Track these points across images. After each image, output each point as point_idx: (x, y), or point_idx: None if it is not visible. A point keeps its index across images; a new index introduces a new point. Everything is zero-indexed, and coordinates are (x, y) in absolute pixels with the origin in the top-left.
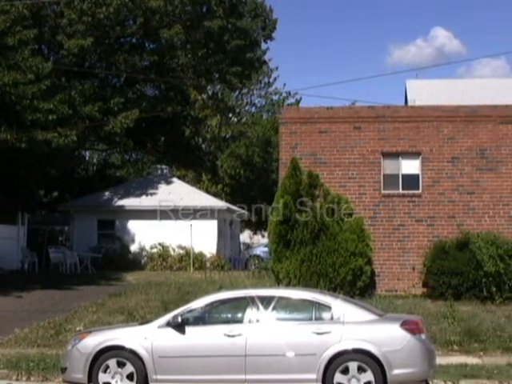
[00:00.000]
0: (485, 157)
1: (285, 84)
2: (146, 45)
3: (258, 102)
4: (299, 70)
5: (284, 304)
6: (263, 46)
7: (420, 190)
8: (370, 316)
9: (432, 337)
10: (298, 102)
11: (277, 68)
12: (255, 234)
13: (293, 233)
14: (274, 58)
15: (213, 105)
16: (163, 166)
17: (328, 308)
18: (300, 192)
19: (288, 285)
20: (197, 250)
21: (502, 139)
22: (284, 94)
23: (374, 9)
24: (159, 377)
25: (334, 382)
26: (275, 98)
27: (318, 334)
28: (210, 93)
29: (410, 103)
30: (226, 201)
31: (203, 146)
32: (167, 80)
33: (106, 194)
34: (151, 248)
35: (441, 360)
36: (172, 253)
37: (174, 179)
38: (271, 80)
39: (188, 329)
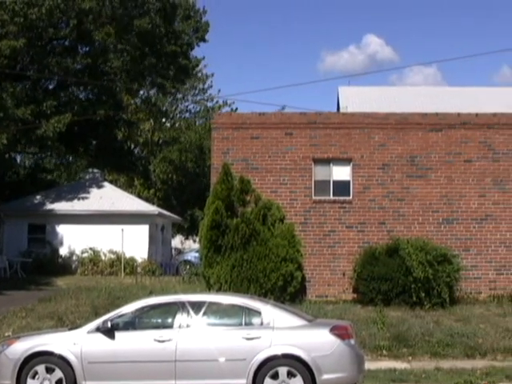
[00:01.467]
0: (415, 164)
1: (219, 90)
2: (78, 47)
3: (192, 108)
4: (233, 75)
5: (214, 309)
6: (197, 49)
7: (351, 197)
8: (299, 321)
9: (361, 342)
10: (233, 111)
11: (212, 75)
12: (187, 239)
13: (224, 238)
14: (209, 64)
15: (146, 109)
16: (95, 170)
17: (258, 313)
18: (231, 197)
19: (219, 290)
20: (128, 254)
21: (431, 147)
22: (219, 102)
23: (308, 15)
24: (88, 383)
25: None
26: (210, 104)
27: (248, 339)
28: (143, 97)
29: (342, 110)
30: (158, 206)
31: (136, 150)
32: (100, 83)
33: (37, 197)
34: (82, 253)
35: (370, 365)
36: (103, 258)
37: (106, 183)
38: (206, 86)
39: (118, 334)
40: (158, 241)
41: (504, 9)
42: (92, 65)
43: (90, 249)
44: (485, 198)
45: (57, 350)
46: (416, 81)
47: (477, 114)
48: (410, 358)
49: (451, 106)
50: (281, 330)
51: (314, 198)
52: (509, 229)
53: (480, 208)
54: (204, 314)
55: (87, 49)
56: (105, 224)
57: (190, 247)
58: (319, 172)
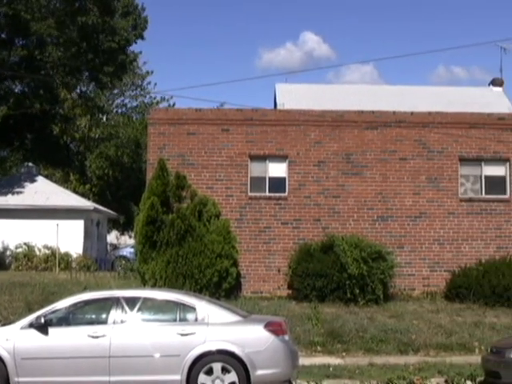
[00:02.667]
0: (350, 161)
1: (156, 84)
2: (15, 40)
3: (129, 103)
4: (172, 72)
5: (149, 305)
6: (135, 45)
7: (286, 193)
8: (234, 317)
9: (296, 338)
10: (171, 106)
11: (152, 72)
12: (122, 234)
13: (159, 234)
14: (148, 61)
15: (82, 104)
16: (30, 165)
17: (193, 309)
18: (167, 193)
19: (154, 286)
20: (63, 250)
21: (367, 144)
22: (157, 98)
23: (245, 11)
24: (21, 379)
25: (198, 382)
26: (147, 99)
27: (183, 335)
28: (80, 92)
29: (279, 107)
30: (94, 201)
31: (72, 145)
32: (36, 77)
33: None
34: (16, 248)
35: (304, 360)
36: (38, 253)
37: (41, 178)
38: (144, 82)
39: (51, 330)
40: (93, 236)
41: (440, 9)
42: (28, 58)
43: (25, 244)
44: (419, 195)
45: None
46: (353, 79)
47: (412, 113)
48: (344, 353)
49: (387, 105)
50: (215, 326)
51: (249, 194)
52: (442, 226)
53: (414, 206)
54: (139, 309)
55: (24, 41)
56: (39, 219)
57: (125, 243)
58: (255, 168)
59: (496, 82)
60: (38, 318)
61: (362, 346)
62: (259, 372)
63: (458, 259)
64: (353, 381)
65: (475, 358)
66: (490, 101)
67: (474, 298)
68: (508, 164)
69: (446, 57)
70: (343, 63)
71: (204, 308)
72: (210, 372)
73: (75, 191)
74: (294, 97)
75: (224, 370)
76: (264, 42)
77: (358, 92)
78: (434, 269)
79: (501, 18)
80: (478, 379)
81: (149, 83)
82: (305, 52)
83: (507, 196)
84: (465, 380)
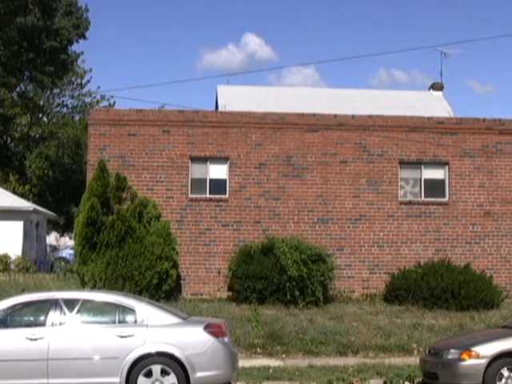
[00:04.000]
0: (291, 163)
1: (99, 87)
2: None
3: (70, 103)
4: (115, 73)
5: (88, 307)
6: (76, 45)
7: (227, 195)
8: (174, 319)
9: (236, 340)
10: (111, 105)
11: (90, 70)
12: (62, 236)
13: (99, 235)
14: (87, 59)
15: (22, 104)
16: None
17: (132, 311)
18: (107, 194)
19: (93, 288)
20: (1, 251)
21: (308, 147)
22: (97, 97)
23: (187, 12)
24: None
25: None
26: (88, 99)
27: (122, 337)
28: (20, 91)
29: (220, 109)
30: (34, 202)
31: (11, 145)
32: None
33: None
34: None
35: (244, 363)
36: None
37: None
38: (84, 82)
39: None
40: (32, 237)
41: (382, 13)
42: None
43: None
44: (359, 198)
45: None
46: (295, 81)
47: (353, 116)
48: (284, 355)
49: (328, 108)
50: (155, 328)
51: (190, 196)
52: (382, 229)
53: (354, 208)
54: (78, 311)
55: None
56: None
57: (65, 244)
58: (196, 170)
59: (436, 87)
60: None
61: (302, 347)
62: (199, 374)
63: (398, 261)
64: (292, 382)
65: (413, 360)
66: (430, 105)
67: (413, 300)
68: (447, 167)
69: (387, 60)
70: (285, 65)
71: (143, 310)
72: (149, 374)
73: (14, 192)
74: (235, 99)
75: (163, 373)
76: (206, 43)
77: (300, 94)
78: (374, 271)
79: (441, 23)
80: (416, 380)
81: (88, 81)
82: (247, 54)
83: (446, 199)
84: (403, 381)
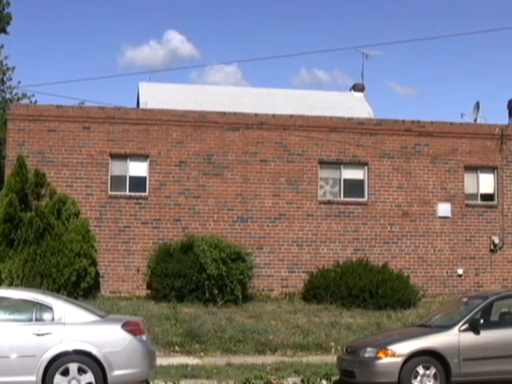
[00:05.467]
0: (211, 162)
1: (19, 82)
2: None
3: None
4: (36, 67)
5: (4, 304)
6: None
7: (147, 193)
8: (91, 317)
9: (154, 338)
10: (33, 103)
11: (14, 68)
12: None
13: (17, 232)
14: (10, 56)
15: None
16: None
17: (49, 309)
18: (25, 190)
19: (10, 285)
20: None
21: (228, 145)
22: (19, 94)
23: (108, 7)
24: None
25: (54, 383)
26: (9, 96)
27: (38, 335)
28: None
29: (142, 106)
30: None
31: None
32: None
33: None
34: None
35: (162, 361)
36: None
37: None
38: (5, 78)
39: None
40: None
41: (304, 13)
42: None
43: None
44: (279, 197)
45: None
46: (217, 79)
47: (274, 115)
48: (202, 353)
49: (250, 107)
50: (72, 326)
51: (109, 193)
52: (301, 228)
53: (274, 207)
54: None
55: None
56: None
57: None
58: (116, 167)
59: (357, 88)
60: None
61: (220, 346)
62: (116, 372)
63: (316, 261)
64: (210, 381)
65: (331, 358)
66: (351, 105)
67: (331, 298)
68: (366, 168)
69: (310, 60)
70: (207, 63)
71: (61, 308)
72: (66, 373)
73: None
74: (157, 96)
75: (80, 371)
76: (127, 40)
77: (222, 93)
78: (293, 270)
79: (362, 24)
80: (334, 378)
81: (10, 79)
82: (169, 50)
83: (365, 199)
84: (320, 379)
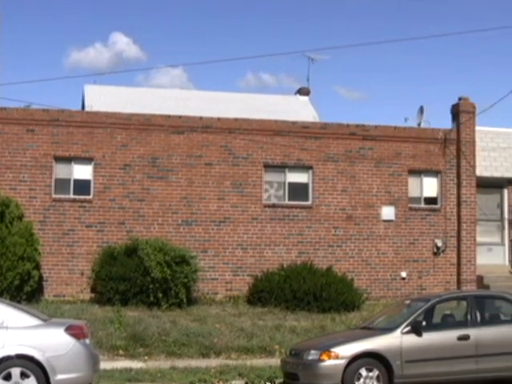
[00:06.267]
0: (156, 165)
1: None
2: None
3: None
4: None
5: None
6: None
7: (91, 196)
8: (34, 321)
9: (98, 342)
10: None
11: None
12: None
13: None
14: None
15: None
16: None
17: None
18: None
19: None
20: None
21: (173, 148)
22: None
23: (54, 8)
24: None
25: None
26: None
27: None
28: None
29: (87, 108)
30: None
31: None
32: None
33: None
34: None
35: (106, 365)
36: None
37: None
38: None
39: None
40: None
41: (249, 16)
42: None
43: None
44: (223, 200)
45: None
46: (163, 82)
47: (219, 119)
48: (147, 357)
49: (196, 110)
50: (15, 330)
51: (54, 196)
52: (246, 231)
53: (219, 210)
54: None
55: None
56: None
57: None
58: (60, 170)
59: (303, 91)
60: None
61: (165, 349)
62: (59, 377)
63: (261, 264)
64: None
65: (275, 361)
66: (296, 109)
67: (276, 302)
68: (311, 171)
69: (256, 64)
70: (153, 66)
71: (3, 311)
72: (8, 377)
73: None
74: (102, 99)
75: (23, 375)
76: (73, 41)
77: (167, 96)
78: (237, 273)
79: (308, 29)
80: (278, 381)
81: None
82: (114, 53)
83: (309, 203)
84: (264, 382)
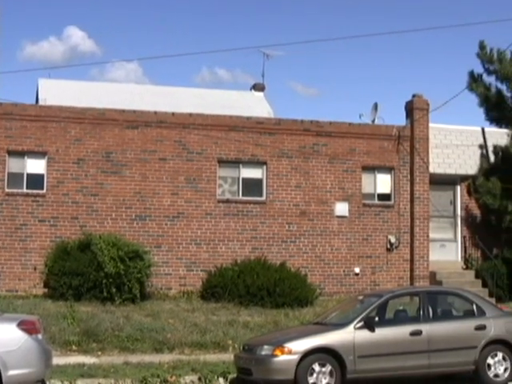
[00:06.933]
0: (110, 160)
1: None
2: None
3: None
4: None
5: None
6: None
7: (44, 190)
8: None
9: (51, 337)
10: None
11: None
12: None
13: None
14: None
15: None
16: None
17: None
18: None
19: None
20: None
21: (127, 143)
22: None
23: (8, 2)
24: None
25: None
26: None
27: None
28: None
29: (41, 102)
30: None
31: None
32: None
33: None
34: None
35: (59, 360)
36: None
37: None
38: None
39: None
40: None
41: (204, 10)
42: None
43: None
44: (177, 196)
45: None
46: (118, 76)
47: (173, 114)
48: (100, 352)
49: (151, 105)
50: None
51: (6, 190)
52: (200, 227)
53: (172, 206)
54: None
55: None
56: None
57: None
58: (13, 164)
59: (258, 87)
60: None
61: (118, 344)
62: (11, 372)
63: (215, 259)
64: (107, 380)
65: (229, 356)
66: (251, 105)
67: (229, 297)
68: (265, 167)
69: (211, 59)
70: (108, 60)
71: None
72: None
73: None
74: (56, 93)
75: None
76: (27, 34)
77: (122, 90)
78: (191, 268)
79: (263, 24)
80: (231, 376)
81: None
82: (69, 47)
83: (263, 198)
84: (218, 377)
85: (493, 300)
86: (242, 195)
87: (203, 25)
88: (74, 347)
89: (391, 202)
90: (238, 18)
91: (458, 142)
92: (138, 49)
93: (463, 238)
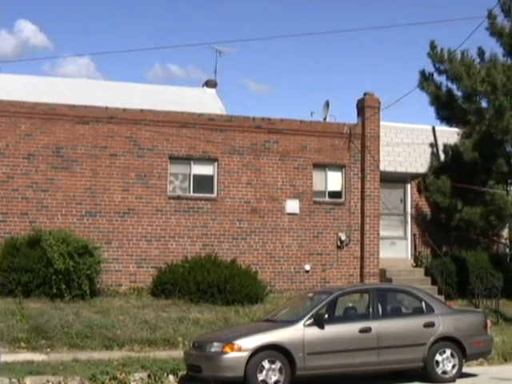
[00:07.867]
0: (60, 155)
1: None
2: None
3: None
4: None
5: None
6: None
7: None
8: None
9: None
10: None
11: None
12: None
13: None
14: None
15: None
16: None
17: None
18: None
19: None
20: None
21: (78, 139)
22: None
23: None
24: None
25: None
26: None
27: None
28: None
29: None
30: None
31: None
32: None
33: None
34: None
35: (7, 357)
36: None
37: None
38: None
39: None
40: None
41: (159, 6)
42: None
43: None
44: (128, 192)
45: None
46: (70, 71)
47: (124, 109)
48: (49, 349)
49: (102, 100)
50: None
51: None
52: (150, 223)
53: (123, 202)
54: None
55: None
56: None
57: None
58: None
59: (210, 84)
60: None
61: (67, 341)
62: None
63: (165, 256)
64: (56, 377)
65: (179, 353)
66: (203, 101)
67: (180, 294)
68: (216, 164)
69: (164, 55)
70: (59, 55)
71: None
72: None
73: None
74: (6, 87)
75: None
76: None
77: (73, 85)
78: (141, 265)
79: (215, 21)
80: (181, 373)
81: None
82: (20, 41)
83: (214, 195)
84: (167, 374)
85: (442, 297)
86: (193, 192)
87: (157, 20)
88: (22, 344)
89: (342, 200)
90: (191, 14)
91: (408, 141)
92: (91, 44)
93: (413, 235)
